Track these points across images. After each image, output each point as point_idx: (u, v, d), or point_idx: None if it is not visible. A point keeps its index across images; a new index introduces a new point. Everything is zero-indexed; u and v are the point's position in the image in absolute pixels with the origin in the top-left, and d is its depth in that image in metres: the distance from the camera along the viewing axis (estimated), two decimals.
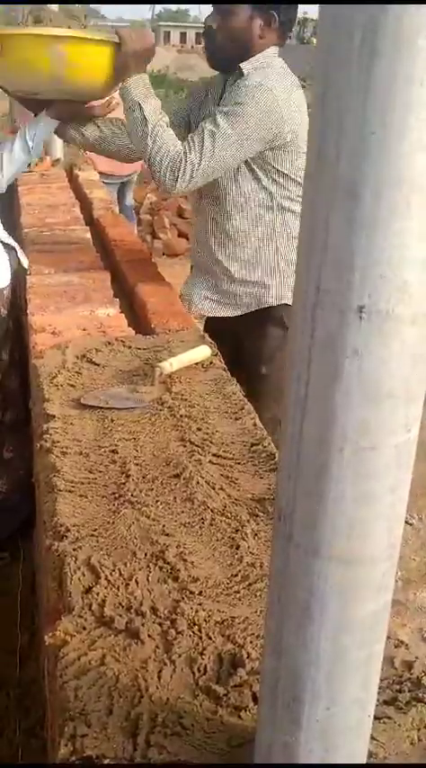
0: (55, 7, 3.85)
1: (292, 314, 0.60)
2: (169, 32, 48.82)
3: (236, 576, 1.06)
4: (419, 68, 0.48)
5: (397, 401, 0.56)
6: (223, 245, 2.24)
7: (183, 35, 49.57)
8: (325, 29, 0.53)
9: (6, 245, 2.39)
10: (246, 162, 2.07)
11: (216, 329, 2.23)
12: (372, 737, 0.77)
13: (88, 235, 2.80)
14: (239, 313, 2.29)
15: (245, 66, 2.05)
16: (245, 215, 2.16)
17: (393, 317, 0.53)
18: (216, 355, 1.78)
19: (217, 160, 1.95)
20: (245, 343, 2.28)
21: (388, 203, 0.52)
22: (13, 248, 2.44)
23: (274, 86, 1.96)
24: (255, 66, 2.05)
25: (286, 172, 2.10)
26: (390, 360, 0.54)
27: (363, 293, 0.53)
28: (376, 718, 0.75)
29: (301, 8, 2.12)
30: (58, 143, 4.14)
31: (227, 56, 2.09)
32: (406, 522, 3.07)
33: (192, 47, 42.37)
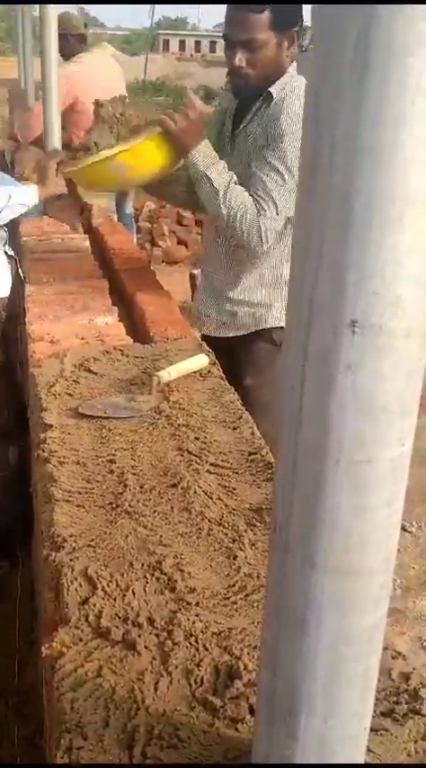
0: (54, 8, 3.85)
1: (286, 328, 0.60)
2: (168, 41, 48.95)
3: (233, 586, 1.06)
4: (411, 84, 0.49)
5: (392, 415, 0.56)
6: (232, 267, 2.24)
7: (182, 43, 49.70)
8: (318, 43, 0.53)
9: (9, 256, 2.41)
10: None
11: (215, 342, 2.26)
12: (369, 749, 0.77)
13: (87, 243, 2.81)
14: (239, 333, 2.30)
15: (274, 90, 1.99)
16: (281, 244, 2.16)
17: (386, 332, 0.53)
18: (214, 364, 1.78)
19: (287, 202, 1.96)
20: (236, 356, 2.29)
21: (381, 218, 0.52)
22: (14, 258, 2.45)
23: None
24: (283, 88, 1.99)
25: None
26: (384, 374, 0.55)
27: (356, 308, 0.53)
28: (372, 730, 0.75)
29: None
30: (58, 149, 4.14)
31: (261, 87, 2.02)
32: (405, 530, 3.08)
33: (191, 55, 42.52)
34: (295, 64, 2.02)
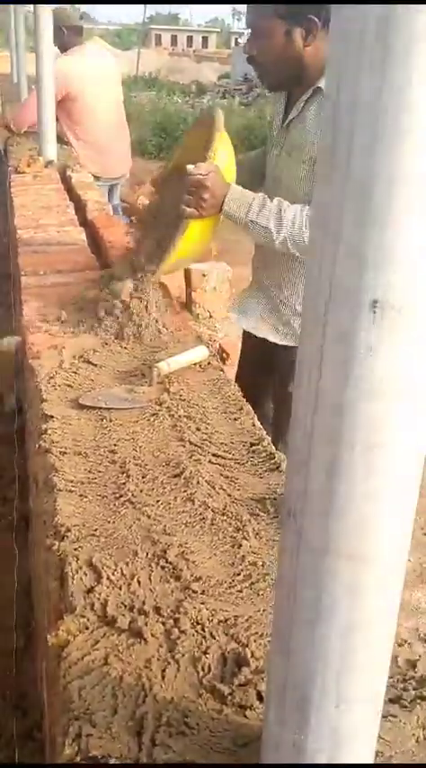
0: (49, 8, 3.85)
1: (303, 312, 0.60)
2: (160, 35, 48.79)
3: (239, 575, 1.06)
4: None
5: (409, 398, 0.56)
6: (291, 278, 2.09)
7: (174, 38, 49.51)
8: (338, 28, 0.53)
9: None
10: None
11: (245, 350, 2.28)
12: (378, 736, 0.77)
13: (83, 236, 2.80)
14: (287, 344, 2.14)
15: (323, 83, 1.82)
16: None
17: (406, 313, 0.53)
18: (213, 356, 1.78)
19: None
20: (274, 367, 2.19)
21: (400, 200, 0.52)
22: None
23: None
24: None
25: None
26: (403, 356, 0.54)
27: (376, 288, 0.53)
28: (381, 716, 0.75)
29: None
30: (52, 144, 4.13)
31: (282, 78, 1.94)
32: None
33: (183, 50, 42.42)
34: None
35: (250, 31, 1.93)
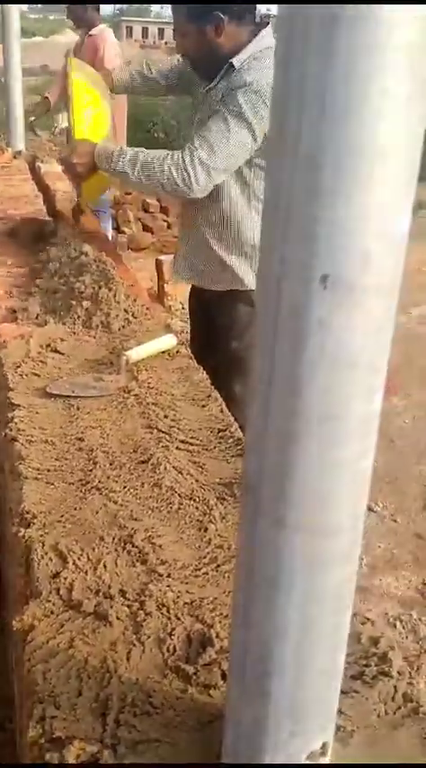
0: None
1: (257, 287, 0.61)
2: (131, 27, 48.48)
3: (205, 558, 1.06)
4: (381, 37, 0.49)
5: (361, 371, 0.57)
6: (210, 224, 2.24)
7: (145, 30, 49.23)
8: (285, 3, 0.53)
9: None
10: None
11: (192, 309, 2.44)
12: (340, 711, 0.78)
13: (51, 225, 2.77)
14: (216, 288, 2.28)
15: (236, 60, 2.08)
16: (228, 201, 2.17)
17: (357, 288, 0.54)
18: (182, 344, 1.78)
19: (228, 149, 1.99)
20: (217, 321, 2.29)
21: (350, 173, 0.52)
22: None
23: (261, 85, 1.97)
24: (246, 58, 2.07)
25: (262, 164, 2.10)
26: (354, 329, 0.55)
27: (326, 263, 0.53)
28: (343, 692, 0.76)
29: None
30: (20, 135, 4.10)
31: (208, 66, 2.17)
32: (370, 510, 3.11)
33: (154, 42, 42.15)
34: (268, 39, 2.07)
35: (174, 30, 2.20)
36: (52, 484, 1.22)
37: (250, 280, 2.24)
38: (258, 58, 2.07)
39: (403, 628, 2.28)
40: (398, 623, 2.29)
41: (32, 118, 4.47)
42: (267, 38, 2.10)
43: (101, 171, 2.18)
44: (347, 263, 0.53)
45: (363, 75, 0.50)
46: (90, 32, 4.71)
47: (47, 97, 4.48)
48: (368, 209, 0.53)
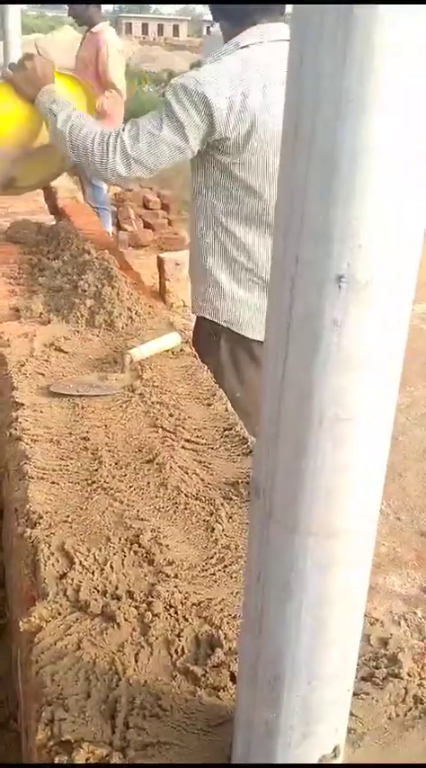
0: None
1: (269, 291, 0.60)
2: (131, 24, 48.33)
3: (212, 558, 1.06)
4: (396, 36, 0.48)
5: (376, 371, 0.56)
6: (198, 247, 2.12)
7: (145, 26, 49.12)
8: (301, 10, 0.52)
9: None
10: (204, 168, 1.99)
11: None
12: (351, 713, 0.77)
13: (53, 224, 2.76)
14: (202, 315, 2.16)
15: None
16: (197, 226, 2.08)
17: (372, 287, 0.53)
18: (186, 342, 1.77)
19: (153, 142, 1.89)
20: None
21: (365, 172, 0.52)
22: None
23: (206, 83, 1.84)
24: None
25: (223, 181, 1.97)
26: (368, 330, 0.54)
27: (342, 262, 0.52)
28: (354, 694, 0.75)
29: None
30: None
31: None
32: None
33: (154, 38, 42.08)
34: (235, 44, 1.96)
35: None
36: (58, 483, 1.21)
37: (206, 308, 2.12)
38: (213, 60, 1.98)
39: (408, 626, 2.28)
40: (403, 622, 2.29)
41: None
42: (229, 48, 1.97)
43: (36, 104, 2.10)
44: (361, 263, 0.53)
45: (378, 74, 0.49)
46: (91, 30, 4.76)
47: None
48: (383, 208, 0.52)
